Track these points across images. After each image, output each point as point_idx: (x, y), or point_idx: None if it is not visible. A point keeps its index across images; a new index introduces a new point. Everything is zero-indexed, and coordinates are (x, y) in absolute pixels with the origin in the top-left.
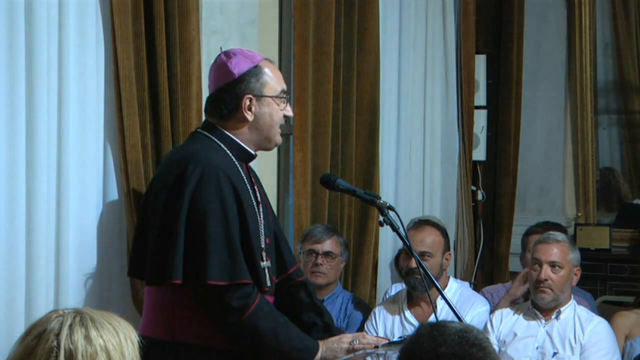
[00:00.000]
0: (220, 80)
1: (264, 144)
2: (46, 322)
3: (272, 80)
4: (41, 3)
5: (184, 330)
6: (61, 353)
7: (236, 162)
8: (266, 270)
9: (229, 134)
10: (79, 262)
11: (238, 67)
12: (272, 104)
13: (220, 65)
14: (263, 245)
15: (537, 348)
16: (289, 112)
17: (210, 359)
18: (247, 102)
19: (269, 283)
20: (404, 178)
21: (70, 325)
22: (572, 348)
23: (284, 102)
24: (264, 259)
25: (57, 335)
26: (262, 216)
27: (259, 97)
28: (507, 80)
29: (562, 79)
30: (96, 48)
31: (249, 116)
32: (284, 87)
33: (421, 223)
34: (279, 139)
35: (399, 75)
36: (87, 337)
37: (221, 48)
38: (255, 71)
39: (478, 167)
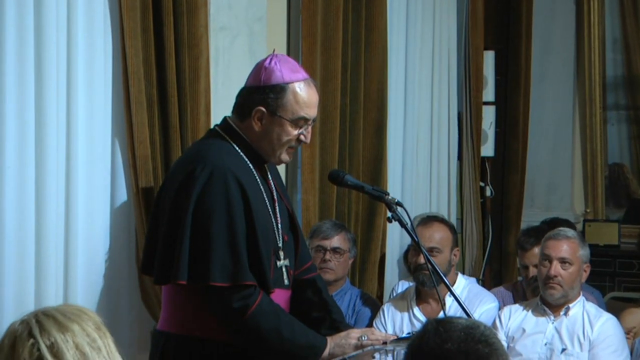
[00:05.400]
0: (250, 80)
1: (269, 157)
2: (12, 332)
3: (295, 104)
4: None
5: (199, 325)
6: (42, 347)
7: (249, 163)
8: (284, 269)
9: (242, 135)
10: (88, 259)
11: (267, 76)
12: (285, 125)
13: (258, 67)
14: (280, 244)
15: (545, 344)
16: (305, 138)
17: (225, 353)
18: (258, 114)
19: (286, 282)
20: (410, 174)
21: (38, 322)
22: (580, 344)
23: (301, 128)
24: (281, 257)
25: (30, 333)
26: (279, 214)
27: (272, 113)
28: (515, 76)
29: (571, 75)
30: (104, 44)
31: (256, 126)
32: (308, 114)
33: (429, 219)
34: (284, 158)
35: (405, 72)
36: (60, 325)
37: (274, 50)
38: (279, 88)
39: (486, 163)
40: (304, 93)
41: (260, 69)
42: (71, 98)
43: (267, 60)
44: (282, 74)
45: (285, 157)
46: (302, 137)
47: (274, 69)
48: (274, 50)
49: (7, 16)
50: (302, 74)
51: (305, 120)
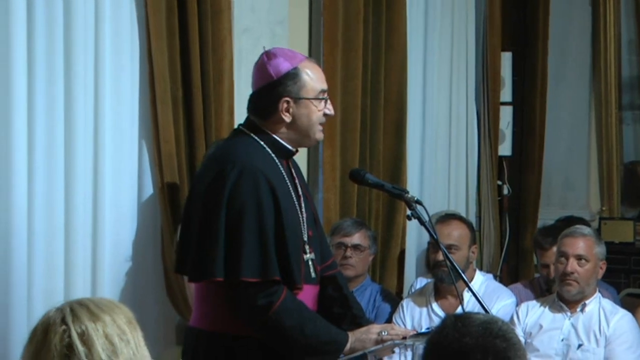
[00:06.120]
0: (259, 81)
1: (304, 142)
2: (47, 319)
3: (311, 81)
4: (78, 2)
5: (230, 322)
6: (73, 334)
7: (276, 160)
8: (310, 263)
9: (268, 132)
10: (115, 254)
11: (276, 69)
12: (310, 105)
13: (261, 66)
14: (306, 239)
15: (562, 340)
16: (329, 110)
17: (255, 349)
18: (285, 105)
19: (313, 275)
20: (429, 173)
21: (72, 310)
22: (597, 340)
23: (323, 102)
24: (307, 251)
25: (63, 320)
26: (304, 209)
27: (297, 99)
28: (532, 77)
29: (587, 76)
30: (131, 46)
31: (287, 117)
32: (324, 86)
33: (448, 217)
34: (319, 136)
35: (425, 73)
36: (93, 314)
37: (264, 47)
38: (293, 74)
39: (504, 162)
40: (312, 70)
41: (263, 66)
42: (99, 98)
43: (265, 57)
44: (287, 61)
45: (319, 135)
46: (327, 111)
47: (277, 60)
48: (264, 48)
49: (37, 19)
50: (300, 55)
51: (324, 91)
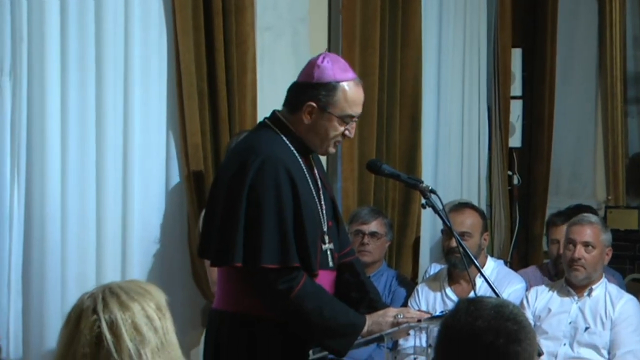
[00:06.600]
0: (303, 75)
1: (315, 148)
2: (80, 304)
3: (344, 102)
4: (109, 3)
5: (252, 304)
6: (103, 324)
7: (296, 154)
8: (329, 252)
9: (290, 127)
10: (143, 240)
11: (321, 73)
12: (333, 121)
13: (311, 64)
14: (325, 229)
15: (570, 323)
16: (349, 133)
17: (276, 331)
18: (309, 108)
19: (331, 264)
20: (443, 163)
21: (103, 298)
22: (603, 323)
23: (347, 124)
24: (326, 241)
25: (94, 309)
26: (323, 201)
27: (321, 109)
28: (541, 72)
29: (594, 71)
30: (159, 42)
31: (306, 120)
32: (354, 112)
33: (461, 205)
34: (330, 150)
35: (439, 68)
36: (122, 304)
37: (326, 50)
38: (331, 86)
39: (514, 154)
40: (352, 92)
41: (313, 66)
42: (128, 92)
43: (320, 59)
44: (334, 72)
45: (331, 149)
46: (346, 132)
47: (326, 67)
48: (326, 49)
49: (69, 18)
50: (352, 73)
51: (351, 117)
